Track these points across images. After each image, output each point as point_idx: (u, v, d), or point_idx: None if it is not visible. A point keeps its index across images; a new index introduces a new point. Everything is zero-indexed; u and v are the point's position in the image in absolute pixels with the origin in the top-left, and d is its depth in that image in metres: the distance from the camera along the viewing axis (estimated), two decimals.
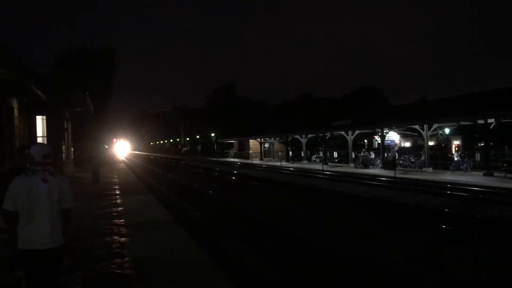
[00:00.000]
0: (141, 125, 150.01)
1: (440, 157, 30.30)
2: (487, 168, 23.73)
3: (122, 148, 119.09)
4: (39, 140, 22.78)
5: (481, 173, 23.69)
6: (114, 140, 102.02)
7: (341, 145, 46.22)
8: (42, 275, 3.90)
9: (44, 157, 3.97)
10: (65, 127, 26.30)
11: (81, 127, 35.78)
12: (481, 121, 24.21)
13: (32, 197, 3.86)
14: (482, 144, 30.49)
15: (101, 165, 27.44)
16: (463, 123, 27.28)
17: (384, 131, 32.85)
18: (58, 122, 24.18)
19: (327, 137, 42.44)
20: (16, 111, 18.25)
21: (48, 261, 3.89)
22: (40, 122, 23.20)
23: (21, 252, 3.84)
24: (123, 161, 57.62)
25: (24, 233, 3.84)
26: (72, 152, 30.39)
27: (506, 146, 28.48)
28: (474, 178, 21.72)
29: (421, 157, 29.74)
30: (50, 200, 3.94)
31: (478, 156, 29.04)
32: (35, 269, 3.87)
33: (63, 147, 24.36)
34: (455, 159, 27.74)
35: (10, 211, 3.84)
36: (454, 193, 17.07)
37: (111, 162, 50.51)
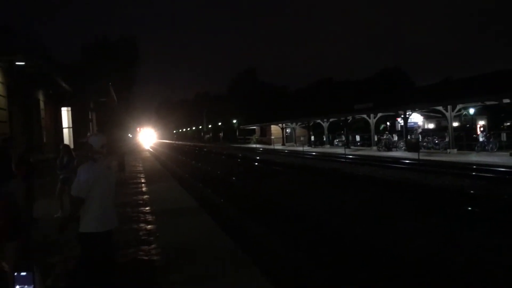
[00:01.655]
0: (164, 113, 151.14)
1: (465, 138, 29.82)
2: None
3: (147, 137, 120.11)
4: (65, 131, 23.29)
5: (508, 153, 23.25)
6: (138, 129, 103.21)
7: (363, 128, 45.83)
8: (109, 252, 4.41)
9: (102, 146, 4.37)
10: (90, 117, 26.81)
11: (105, 117, 36.38)
12: (506, 100, 23.69)
13: (104, 183, 4.29)
14: (508, 124, 29.92)
15: (126, 154, 27.93)
16: (488, 102, 26.74)
17: (407, 113, 32.44)
18: (83, 112, 24.70)
19: (349, 121, 42.16)
20: (42, 103, 18.71)
21: (109, 239, 4.34)
22: (65, 113, 23.70)
23: (94, 235, 4.15)
24: (147, 150, 58.36)
25: (97, 217, 4.18)
26: None
27: None
28: (500, 159, 21.36)
29: (445, 139, 29.31)
30: (113, 185, 4.55)
31: (504, 136, 28.53)
32: (106, 247, 4.28)
33: None
34: (480, 139, 27.28)
35: (82, 198, 4.15)
36: (479, 174, 16.86)
37: (136, 151, 51.26)
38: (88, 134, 4.47)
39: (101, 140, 4.41)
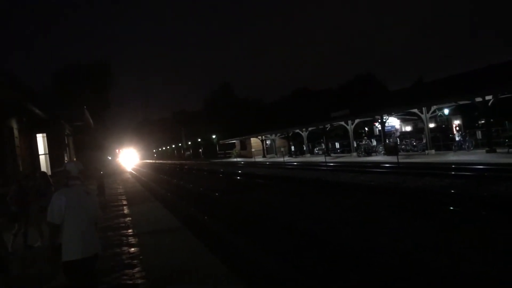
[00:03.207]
0: (144, 133, 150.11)
1: (441, 138, 30.31)
2: (489, 145, 23.75)
3: (129, 158, 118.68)
4: (42, 158, 22.87)
5: (484, 151, 23.72)
6: (117, 150, 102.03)
7: (342, 135, 46.26)
8: (92, 279, 4.32)
9: (79, 172, 4.43)
10: (66, 142, 26.39)
11: (82, 141, 35.90)
12: (479, 99, 24.20)
13: (82, 209, 4.22)
14: (483, 122, 30.55)
15: (105, 176, 27.51)
16: (461, 102, 27.28)
17: (384, 118, 32.87)
18: (59, 138, 24.27)
19: (327, 129, 42.47)
20: (16, 131, 18.34)
21: (93, 265, 4.29)
22: (41, 140, 23.28)
23: (78, 263, 4.06)
24: (128, 172, 57.68)
25: (77, 243, 4.09)
26: None
27: (506, 122, 28.49)
28: (477, 156, 21.74)
29: (422, 140, 29.75)
30: (94, 210, 4.46)
31: (479, 134, 29.10)
32: (87, 275, 4.19)
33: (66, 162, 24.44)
34: (457, 139, 27.77)
35: (57, 224, 4.09)
36: (458, 173, 17.09)
37: (116, 173, 50.60)
38: (65, 162, 4.56)
39: (77, 166, 4.49)
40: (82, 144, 35.92)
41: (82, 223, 4.18)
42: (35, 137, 22.50)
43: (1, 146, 16.10)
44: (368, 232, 9.49)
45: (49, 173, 15.12)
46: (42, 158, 23.03)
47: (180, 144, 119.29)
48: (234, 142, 72.67)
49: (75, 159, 29.84)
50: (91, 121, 29.46)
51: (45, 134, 23.31)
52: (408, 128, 39.90)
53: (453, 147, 27.21)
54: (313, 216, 12.21)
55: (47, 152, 23.40)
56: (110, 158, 71.69)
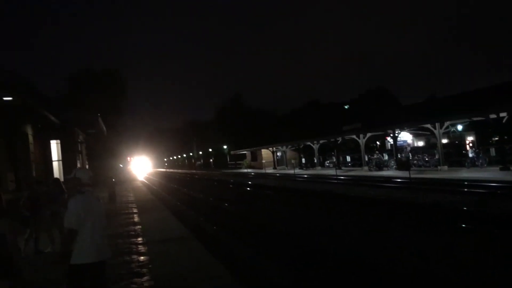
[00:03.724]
0: (155, 142, 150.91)
1: (454, 154, 30.01)
2: (503, 162, 23.48)
3: (141, 166, 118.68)
4: (55, 164, 23.10)
5: (497, 168, 23.43)
6: (129, 158, 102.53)
7: (353, 148, 46.02)
8: (102, 282, 4.44)
9: (90, 178, 4.57)
10: (79, 149, 26.63)
11: (95, 148, 36.20)
12: (493, 116, 23.98)
13: (94, 214, 4.37)
14: (496, 139, 30.22)
15: (117, 184, 27.69)
16: (475, 118, 27.07)
17: (396, 132, 32.69)
18: (72, 144, 24.50)
19: (339, 142, 42.33)
20: (30, 137, 18.57)
21: (102, 271, 4.40)
22: (54, 146, 23.53)
23: (85, 267, 4.15)
24: (139, 180, 57.95)
25: (89, 247, 4.21)
26: None
27: None
28: (490, 174, 21.49)
29: (435, 156, 29.48)
30: (103, 216, 4.61)
31: (493, 151, 28.78)
32: (97, 279, 4.32)
33: None
34: (470, 155, 27.48)
35: (75, 229, 4.20)
36: (471, 190, 16.90)
37: (127, 180, 50.88)
38: (74, 169, 4.64)
39: (88, 173, 4.65)
40: (94, 151, 36.22)
41: (95, 229, 4.31)
42: (49, 143, 22.77)
43: (16, 151, 16.32)
44: (374, 245, 9.41)
45: (62, 179, 15.26)
46: (55, 164, 23.26)
47: (191, 154, 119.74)
48: (245, 153, 72.72)
49: (86, 166, 30.10)
50: (104, 128, 29.72)
51: (59, 141, 23.56)
52: (421, 143, 39.57)
53: (466, 163, 26.92)
54: (324, 231, 12.15)
55: (61, 158, 23.63)
56: (121, 165, 72.13)
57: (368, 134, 36.39)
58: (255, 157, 67.52)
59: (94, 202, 4.50)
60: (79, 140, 27.09)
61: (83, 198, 4.36)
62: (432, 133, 29.17)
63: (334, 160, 43.13)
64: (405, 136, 38.18)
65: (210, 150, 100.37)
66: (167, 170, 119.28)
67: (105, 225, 4.64)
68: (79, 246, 4.17)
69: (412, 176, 22.80)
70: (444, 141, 31.53)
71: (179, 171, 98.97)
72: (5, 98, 13.02)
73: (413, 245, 9.36)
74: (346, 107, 71.26)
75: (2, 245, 4.73)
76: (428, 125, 28.53)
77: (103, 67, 60.93)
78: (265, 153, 61.47)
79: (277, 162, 58.08)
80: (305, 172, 40.53)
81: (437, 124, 27.58)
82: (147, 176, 78.97)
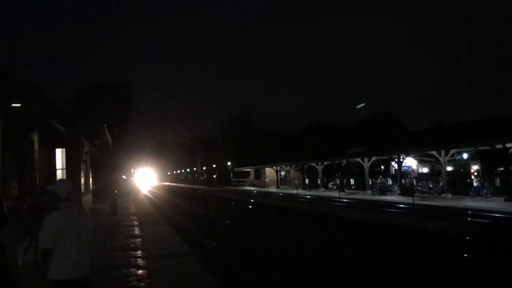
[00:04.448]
0: (159, 155, 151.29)
1: (459, 182, 29.85)
2: (508, 193, 23.29)
3: (145, 179, 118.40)
4: (59, 172, 23.14)
5: (502, 199, 23.24)
6: (132, 170, 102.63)
7: (357, 172, 45.88)
8: None
9: (69, 193, 4.18)
10: (84, 159, 26.70)
11: (100, 159, 36.29)
12: (499, 146, 23.91)
13: (72, 231, 4.06)
14: (502, 169, 30.04)
15: (119, 196, 27.69)
16: (481, 148, 26.97)
17: (401, 157, 32.61)
18: (77, 154, 24.56)
19: (343, 164, 42.24)
20: (36, 145, 18.66)
21: (85, 285, 4.14)
22: (59, 155, 23.59)
23: (63, 283, 3.96)
24: (142, 193, 57.91)
25: (67, 263, 3.99)
26: (91, 184, 30.77)
27: None
28: (495, 204, 21.33)
29: (439, 183, 29.32)
30: (88, 230, 4.28)
31: (498, 181, 28.56)
32: None
33: (82, 178, 24.69)
34: (475, 184, 27.32)
35: (50, 248, 3.97)
36: (474, 219, 16.77)
37: (130, 193, 50.87)
38: (57, 180, 4.34)
39: (68, 186, 4.25)
40: (99, 162, 36.31)
41: (71, 246, 4.04)
42: (54, 152, 22.83)
43: (20, 158, 16.36)
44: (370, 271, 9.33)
45: None
46: (59, 173, 23.30)
47: (195, 169, 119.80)
48: (249, 171, 72.65)
49: (90, 176, 30.15)
50: (110, 139, 29.82)
51: (64, 149, 23.63)
52: (425, 170, 39.47)
53: (471, 192, 26.75)
54: (320, 250, 12.06)
55: (65, 167, 23.67)
56: (124, 177, 72.14)
57: (373, 158, 36.32)
58: (259, 175, 67.41)
59: (74, 218, 4.13)
60: (85, 150, 27.17)
61: (59, 215, 4.07)
62: (437, 160, 29.07)
63: (338, 182, 42.99)
64: (410, 162, 38.08)
65: (214, 166, 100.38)
66: (170, 184, 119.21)
67: (88, 241, 4.27)
68: (55, 263, 3.97)
69: (416, 202, 22.67)
70: (449, 168, 31.42)
71: (182, 185, 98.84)
72: (13, 105, 13.11)
73: (412, 276, 9.26)
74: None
75: (1, 257, 4.62)
76: (434, 152, 28.46)
77: (113, 80, 61.59)
78: (269, 171, 61.38)
79: (281, 181, 57.94)
80: (308, 193, 40.37)
81: (442, 151, 27.51)
82: (150, 189, 78.86)
